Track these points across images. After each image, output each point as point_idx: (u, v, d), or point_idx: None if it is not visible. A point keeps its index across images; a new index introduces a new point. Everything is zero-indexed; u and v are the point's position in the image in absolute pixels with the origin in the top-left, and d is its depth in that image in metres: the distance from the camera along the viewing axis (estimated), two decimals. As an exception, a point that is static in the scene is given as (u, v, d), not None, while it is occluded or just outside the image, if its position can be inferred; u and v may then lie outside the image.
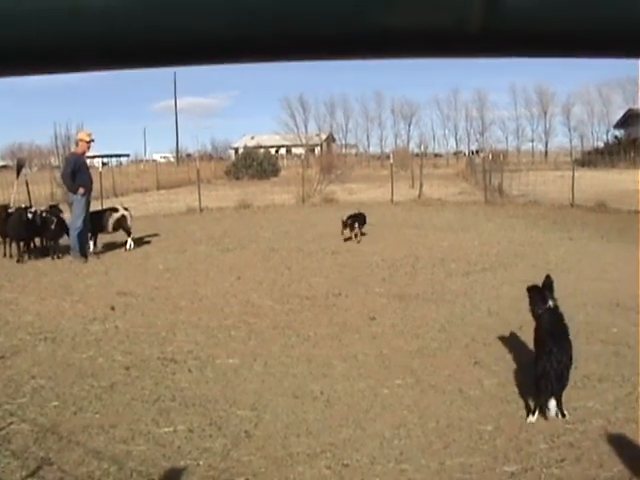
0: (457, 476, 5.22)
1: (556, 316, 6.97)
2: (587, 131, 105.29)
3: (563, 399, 6.44)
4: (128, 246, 17.61)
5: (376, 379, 7.43)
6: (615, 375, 7.29)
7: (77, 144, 17.10)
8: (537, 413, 6.36)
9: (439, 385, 7.21)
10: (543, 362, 6.35)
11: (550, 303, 7.04)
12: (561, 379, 6.37)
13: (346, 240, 17.51)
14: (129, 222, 17.78)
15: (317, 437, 6.01)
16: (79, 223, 15.98)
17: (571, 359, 6.40)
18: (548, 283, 7.30)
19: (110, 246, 17.69)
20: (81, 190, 15.84)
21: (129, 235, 17.74)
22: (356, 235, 17.83)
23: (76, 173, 16.00)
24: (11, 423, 6.48)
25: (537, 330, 7.11)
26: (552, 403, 6.39)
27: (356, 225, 17.83)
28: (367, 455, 5.63)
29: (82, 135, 16.77)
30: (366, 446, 5.80)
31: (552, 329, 6.79)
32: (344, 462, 5.52)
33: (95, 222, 16.88)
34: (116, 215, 17.54)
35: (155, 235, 20.04)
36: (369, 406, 6.68)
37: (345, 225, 17.84)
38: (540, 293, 7.21)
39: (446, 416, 6.40)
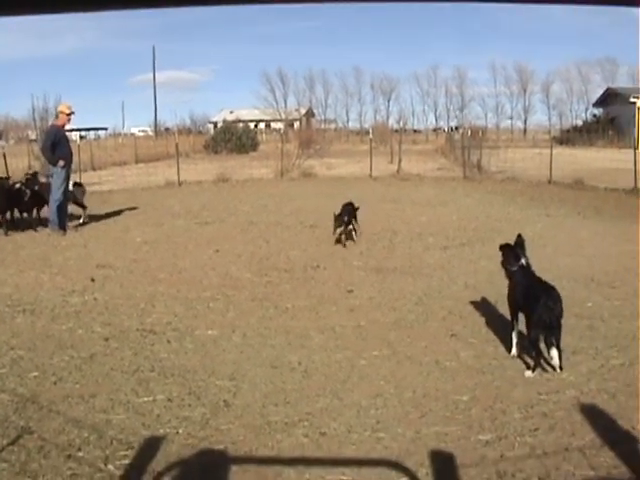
0: (432, 444, 5.30)
1: (531, 272, 7.27)
2: (566, 109, 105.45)
3: (537, 370, 6.57)
4: (82, 220, 17.56)
5: (353, 350, 7.51)
6: (589, 348, 7.39)
7: (57, 116, 17.04)
8: (534, 368, 6.57)
9: (416, 356, 7.29)
10: (539, 313, 6.61)
11: (523, 261, 7.40)
12: (559, 327, 6.63)
13: (337, 243, 13.97)
14: (80, 196, 17.69)
15: (295, 406, 6.08)
16: (59, 195, 15.94)
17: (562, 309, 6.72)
18: (520, 242, 7.56)
19: (89, 219, 17.61)
20: (61, 162, 15.83)
21: (83, 209, 17.68)
22: (349, 235, 14.16)
23: (56, 145, 15.96)
24: (-9, 393, 6.52)
25: (512, 288, 7.40)
26: (554, 352, 6.55)
27: (353, 222, 14.09)
28: (344, 424, 5.71)
29: (62, 107, 16.72)
30: (343, 415, 5.88)
31: (532, 282, 7.08)
32: (321, 430, 5.59)
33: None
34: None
35: (134, 208, 20.03)
36: (346, 377, 6.76)
37: (339, 222, 13.86)
38: (513, 251, 7.47)
39: (422, 386, 6.49)
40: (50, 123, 21.22)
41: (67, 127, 16.90)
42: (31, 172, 18.65)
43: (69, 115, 16.33)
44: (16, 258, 13.29)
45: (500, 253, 7.70)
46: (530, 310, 6.83)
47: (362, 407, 6.04)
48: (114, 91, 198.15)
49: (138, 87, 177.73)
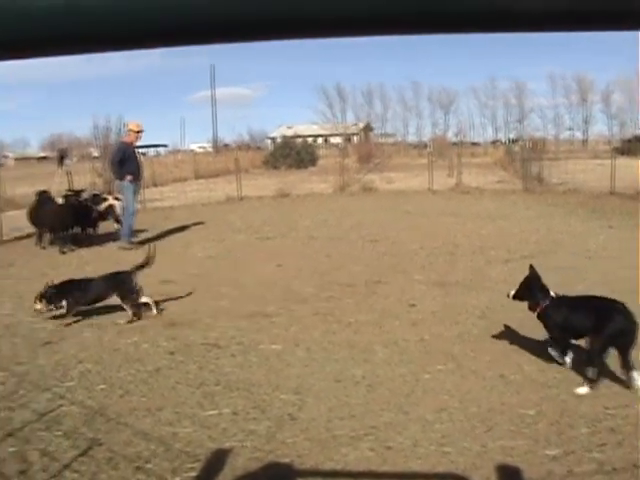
0: (499, 458, 5.27)
1: (573, 297, 7.17)
2: (627, 119, 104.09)
3: (603, 382, 6.51)
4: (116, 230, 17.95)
5: (417, 364, 7.50)
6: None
7: (127, 134, 17.35)
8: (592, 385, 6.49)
9: (480, 370, 7.26)
10: (612, 332, 6.42)
11: (552, 293, 7.19)
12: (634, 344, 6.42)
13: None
14: (118, 210, 17.94)
15: (360, 420, 6.09)
16: (131, 209, 16.35)
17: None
18: (534, 274, 7.38)
19: (153, 236, 17.81)
20: (128, 177, 16.20)
21: (117, 222, 17.94)
22: None
23: (124, 162, 16.35)
24: (61, 405, 6.64)
25: (558, 322, 7.07)
26: (635, 373, 6.39)
27: None
28: (409, 438, 5.69)
29: (131, 125, 17.04)
30: (408, 429, 5.87)
31: (588, 304, 6.90)
32: (387, 444, 5.59)
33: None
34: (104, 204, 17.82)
35: (195, 224, 20.21)
36: (410, 391, 6.75)
37: None
38: (534, 285, 7.29)
39: (487, 401, 6.45)
40: (120, 140, 21.71)
41: (136, 144, 17.14)
42: (96, 192, 19.05)
43: (138, 133, 16.67)
44: (82, 274, 13.48)
45: (519, 295, 7.55)
46: (598, 331, 6.57)
47: (427, 421, 6.02)
48: (173, 108, 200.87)
49: (197, 104, 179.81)
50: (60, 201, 16.98)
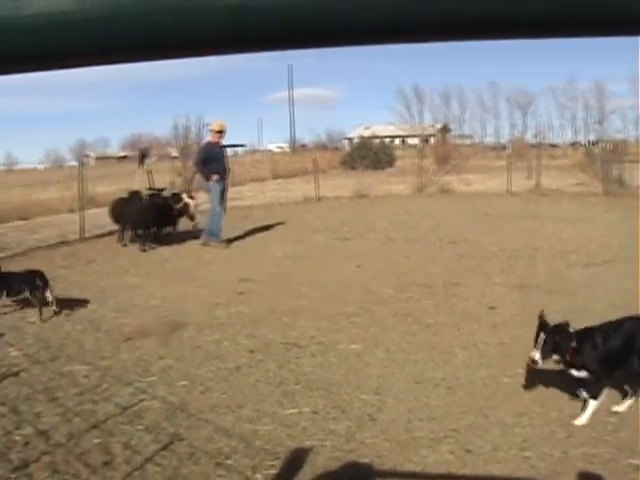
0: (580, 465, 5.20)
1: (595, 327, 6.38)
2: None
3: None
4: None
5: (497, 367, 7.44)
6: None
7: (211, 134, 17.62)
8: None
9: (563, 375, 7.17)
10: None
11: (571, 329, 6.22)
12: None
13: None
14: (191, 209, 18.40)
15: (440, 422, 6.06)
16: (218, 209, 16.66)
17: None
18: (546, 322, 6.29)
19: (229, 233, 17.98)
20: (214, 177, 16.48)
21: (192, 221, 18.47)
22: None
23: (209, 161, 16.66)
24: (143, 400, 6.75)
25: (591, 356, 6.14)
26: None
27: None
28: (489, 442, 5.65)
29: (214, 125, 17.33)
30: (488, 433, 5.83)
31: (622, 324, 6.38)
32: (467, 447, 5.56)
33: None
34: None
35: (273, 223, 20.33)
36: (491, 394, 6.70)
37: None
38: (558, 330, 6.19)
39: (568, 406, 6.37)
40: (206, 140, 22.08)
41: (223, 143, 17.34)
42: (175, 191, 19.35)
43: (219, 132, 16.92)
44: (162, 271, 13.71)
45: (547, 354, 6.13)
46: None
47: (507, 425, 5.97)
48: (252, 108, 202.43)
49: (275, 104, 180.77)
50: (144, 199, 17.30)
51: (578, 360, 6.13)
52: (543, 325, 6.20)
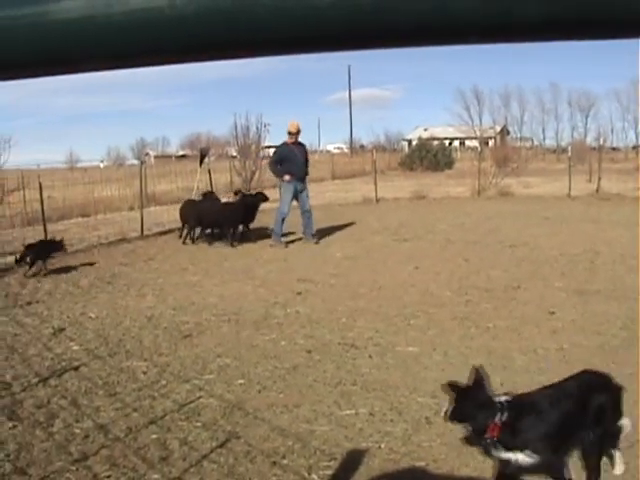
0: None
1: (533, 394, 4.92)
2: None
3: None
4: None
5: (557, 373, 7.29)
6: None
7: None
8: None
9: (622, 383, 7.05)
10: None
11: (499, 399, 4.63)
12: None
13: None
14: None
15: (498, 428, 6.00)
16: (285, 209, 16.88)
17: None
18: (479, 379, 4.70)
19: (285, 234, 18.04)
20: (286, 177, 16.66)
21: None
22: None
23: (283, 161, 16.95)
24: (200, 397, 6.79)
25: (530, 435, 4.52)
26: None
27: None
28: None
29: (289, 126, 17.39)
30: (548, 439, 5.76)
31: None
32: (525, 454, 5.50)
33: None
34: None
35: (332, 224, 20.32)
36: (550, 400, 6.62)
37: None
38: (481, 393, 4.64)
39: (629, 414, 6.26)
40: (248, 141, 22.43)
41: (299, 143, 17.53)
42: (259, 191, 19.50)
43: (291, 133, 17.12)
44: (220, 269, 13.81)
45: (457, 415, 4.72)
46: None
47: (568, 432, 5.89)
48: (310, 109, 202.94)
49: (334, 105, 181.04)
50: (226, 200, 17.56)
51: (507, 443, 4.48)
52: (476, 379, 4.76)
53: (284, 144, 17.46)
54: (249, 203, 17.24)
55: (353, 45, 0.84)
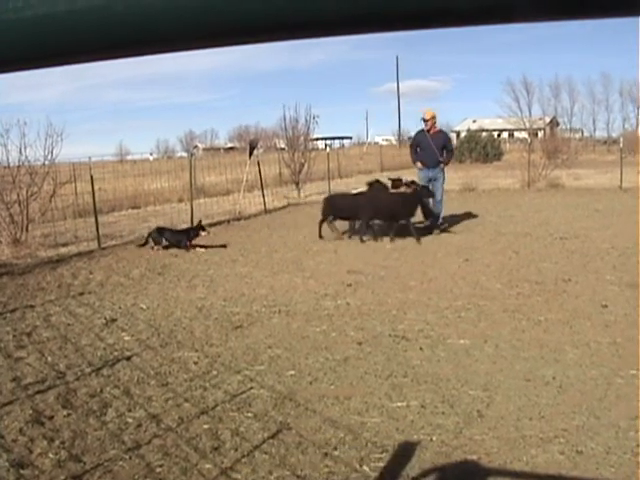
0: (700, 472, 5.05)
1: None
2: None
3: None
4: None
5: (609, 368, 7.27)
6: None
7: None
8: None
9: (678, 379, 6.98)
10: None
11: None
12: None
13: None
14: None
15: (550, 422, 5.95)
16: (439, 196, 17.02)
17: None
18: None
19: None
20: (419, 164, 16.89)
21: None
22: None
23: (417, 148, 17.17)
24: (251, 388, 6.84)
25: None
26: None
27: None
28: (602, 444, 5.51)
29: (423, 113, 17.36)
30: (600, 435, 5.69)
31: None
32: (578, 449, 5.44)
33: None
34: None
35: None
36: (603, 394, 6.55)
37: None
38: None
39: (630, 415, 6.18)
40: (296, 133, 22.48)
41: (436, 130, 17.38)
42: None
43: (426, 120, 17.07)
44: (270, 261, 13.90)
45: None
46: None
47: (620, 428, 5.81)
48: (358, 101, 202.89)
49: (382, 96, 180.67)
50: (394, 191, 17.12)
51: None
52: None
53: (421, 131, 17.40)
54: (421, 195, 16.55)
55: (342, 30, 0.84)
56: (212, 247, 15.60)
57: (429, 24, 0.80)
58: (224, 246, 15.78)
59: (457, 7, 0.75)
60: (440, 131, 17.26)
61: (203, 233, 15.87)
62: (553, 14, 0.78)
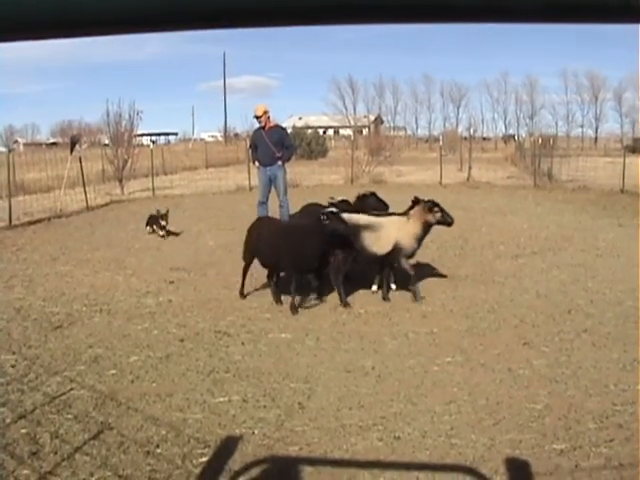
0: (507, 451, 5.29)
1: None
2: (638, 117, 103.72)
3: (612, 379, 6.51)
4: None
5: (426, 356, 7.52)
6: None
7: None
8: None
9: (488, 364, 7.28)
10: None
11: None
12: None
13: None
14: None
15: (369, 410, 6.12)
16: (259, 197, 16.32)
17: None
18: None
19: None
20: (257, 163, 16.01)
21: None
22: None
23: (255, 147, 16.15)
24: (71, 389, 6.70)
25: None
26: None
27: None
28: (418, 429, 5.72)
29: (254, 111, 16.27)
30: (417, 420, 5.90)
31: None
32: (395, 435, 5.62)
33: None
34: None
35: (206, 213, 20.24)
36: (419, 382, 6.78)
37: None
38: None
39: (495, 394, 6.47)
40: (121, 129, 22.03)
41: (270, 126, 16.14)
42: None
43: (258, 117, 15.98)
44: (91, 259, 13.59)
45: None
46: None
47: (436, 413, 6.05)
48: (185, 96, 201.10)
49: (208, 93, 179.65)
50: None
51: None
52: None
53: (257, 129, 16.42)
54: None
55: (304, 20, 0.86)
56: None
57: (426, 19, 0.83)
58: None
59: (456, 4, 0.78)
60: (276, 126, 16.45)
61: None
62: (551, 17, 0.82)
